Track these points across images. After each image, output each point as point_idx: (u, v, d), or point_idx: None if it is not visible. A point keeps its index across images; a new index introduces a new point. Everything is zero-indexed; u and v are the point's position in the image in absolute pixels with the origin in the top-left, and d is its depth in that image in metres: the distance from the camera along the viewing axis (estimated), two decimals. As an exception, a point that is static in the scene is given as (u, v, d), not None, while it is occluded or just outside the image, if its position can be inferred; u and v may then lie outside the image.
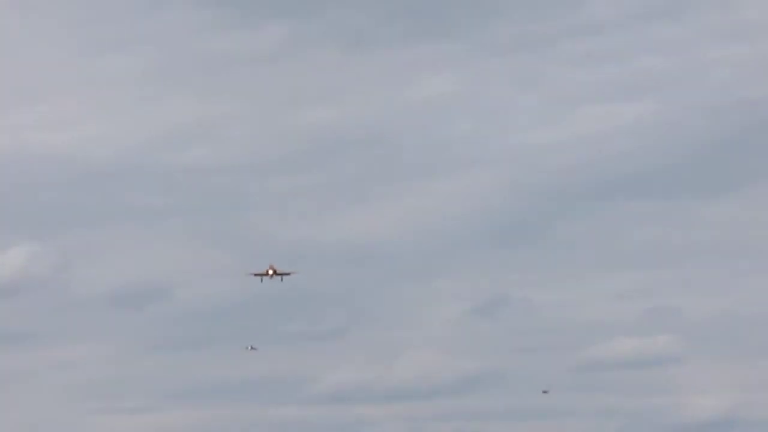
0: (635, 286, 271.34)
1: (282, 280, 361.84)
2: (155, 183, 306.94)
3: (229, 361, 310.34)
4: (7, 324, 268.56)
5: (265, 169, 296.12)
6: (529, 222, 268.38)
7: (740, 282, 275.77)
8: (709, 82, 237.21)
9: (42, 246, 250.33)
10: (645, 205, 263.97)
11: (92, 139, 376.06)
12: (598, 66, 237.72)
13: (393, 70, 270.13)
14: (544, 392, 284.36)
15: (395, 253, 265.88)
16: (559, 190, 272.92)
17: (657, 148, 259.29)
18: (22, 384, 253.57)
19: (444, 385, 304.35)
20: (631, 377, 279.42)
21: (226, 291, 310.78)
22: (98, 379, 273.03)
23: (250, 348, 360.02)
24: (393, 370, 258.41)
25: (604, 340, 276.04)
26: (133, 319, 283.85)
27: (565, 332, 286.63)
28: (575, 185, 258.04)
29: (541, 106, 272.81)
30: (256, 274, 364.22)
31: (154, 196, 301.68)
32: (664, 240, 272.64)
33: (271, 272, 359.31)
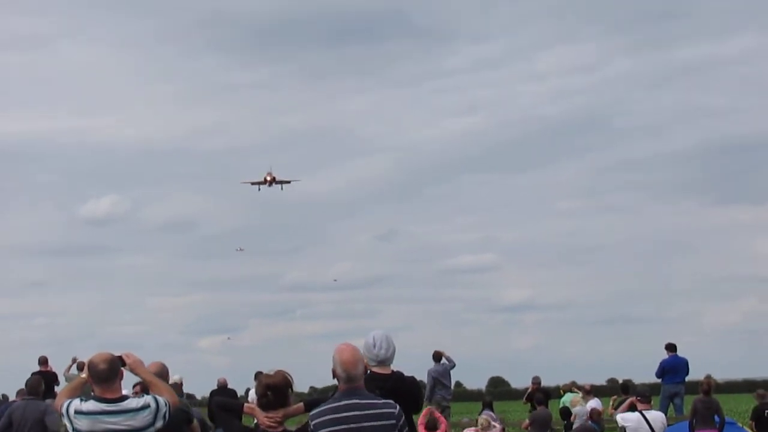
0: (473, 224, 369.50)
1: (282, 188, 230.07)
2: (195, 160, 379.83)
3: (227, 260, 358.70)
4: (99, 241, 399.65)
5: (247, 151, 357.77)
6: (411, 186, 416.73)
7: (536, 222, 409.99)
8: (517, 105, 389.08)
9: (122, 196, 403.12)
10: (481, 176, 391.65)
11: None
12: (456, 96, 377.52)
13: (333, 94, 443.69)
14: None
15: (331, 202, 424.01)
16: (430, 167, 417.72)
17: (489, 142, 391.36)
18: (108, 277, 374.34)
19: (359, 282, 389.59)
20: (469, 279, 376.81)
21: (235, 214, 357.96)
22: (152, 275, 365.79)
23: (239, 249, 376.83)
24: (328, 272, 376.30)
25: (454, 256, 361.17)
26: (174, 239, 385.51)
27: (431, 251, 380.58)
28: (439, 163, 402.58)
29: (426, 117, 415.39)
30: (253, 183, 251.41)
31: (193, 168, 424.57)
32: (492, 197, 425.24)
33: (269, 179, 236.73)
